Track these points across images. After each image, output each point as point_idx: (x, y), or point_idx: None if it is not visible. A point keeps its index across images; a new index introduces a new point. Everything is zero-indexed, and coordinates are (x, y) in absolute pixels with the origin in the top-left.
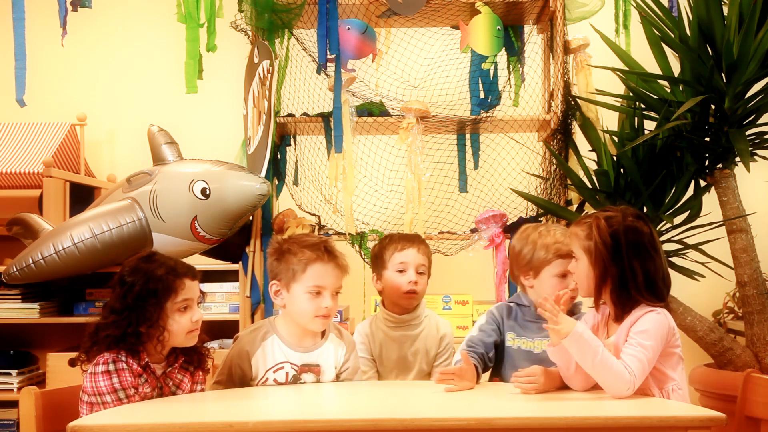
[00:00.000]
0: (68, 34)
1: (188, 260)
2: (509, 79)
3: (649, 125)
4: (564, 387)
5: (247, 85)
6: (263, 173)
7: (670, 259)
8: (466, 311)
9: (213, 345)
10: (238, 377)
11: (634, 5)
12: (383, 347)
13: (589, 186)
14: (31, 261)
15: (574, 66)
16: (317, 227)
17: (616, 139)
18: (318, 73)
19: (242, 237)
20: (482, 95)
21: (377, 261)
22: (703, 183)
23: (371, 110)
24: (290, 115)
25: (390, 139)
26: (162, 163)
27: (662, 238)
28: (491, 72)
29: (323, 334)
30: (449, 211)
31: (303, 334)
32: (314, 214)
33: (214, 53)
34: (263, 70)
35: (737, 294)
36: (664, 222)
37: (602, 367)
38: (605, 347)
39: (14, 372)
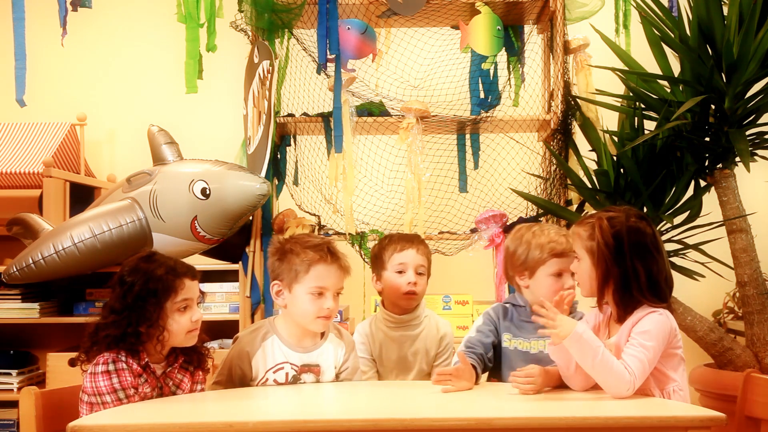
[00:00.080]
0: (68, 34)
1: (188, 260)
2: (509, 79)
3: (649, 125)
4: (562, 386)
5: (247, 85)
6: (263, 173)
7: (670, 259)
8: (466, 311)
9: (213, 345)
10: (238, 378)
11: (634, 5)
12: (383, 347)
13: (589, 186)
14: (31, 261)
15: (574, 66)
16: (317, 227)
17: (616, 139)
18: (318, 73)
19: (242, 237)
20: (482, 95)
21: (376, 262)
22: (703, 183)
23: (371, 110)
24: (290, 115)
25: (390, 139)
26: (162, 163)
27: (662, 238)
28: (491, 72)
29: (323, 334)
30: (449, 211)
31: (303, 335)
32: (314, 214)
33: (214, 53)
34: (263, 70)
35: (737, 294)
36: (664, 222)
37: (602, 368)
38: (606, 347)
39: (14, 372)
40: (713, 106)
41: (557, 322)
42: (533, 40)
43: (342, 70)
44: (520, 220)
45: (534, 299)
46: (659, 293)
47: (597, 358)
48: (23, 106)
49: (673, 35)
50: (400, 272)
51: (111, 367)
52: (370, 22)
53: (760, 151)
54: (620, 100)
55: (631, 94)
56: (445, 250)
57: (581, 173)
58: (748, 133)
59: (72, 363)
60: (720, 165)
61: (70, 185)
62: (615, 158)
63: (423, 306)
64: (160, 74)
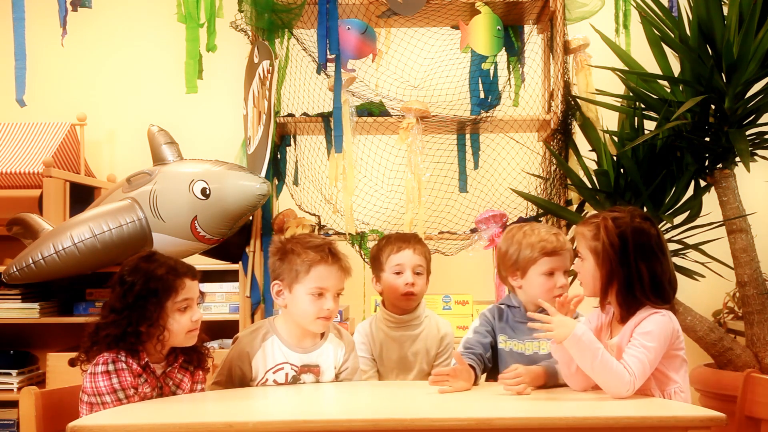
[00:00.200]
0: (68, 34)
1: (188, 260)
2: (509, 79)
3: (649, 125)
4: (554, 386)
5: (247, 85)
6: (263, 173)
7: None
8: (466, 311)
9: (213, 345)
10: (238, 378)
11: (634, 5)
12: (383, 347)
13: (589, 186)
14: (31, 261)
15: (574, 66)
16: (317, 227)
17: (616, 139)
18: (318, 73)
19: (242, 237)
20: (482, 95)
21: (375, 263)
22: (703, 183)
23: (371, 110)
24: (290, 115)
25: (390, 139)
26: (162, 163)
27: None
28: (491, 72)
29: (323, 334)
30: (449, 211)
31: (303, 335)
32: (314, 214)
33: (214, 53)
34: (263, 70)
35: (737, 294)
36: (664, 222)
37: (602, 369)
38: (608, 347)
39: (14, 372)
40: (713, 106)
41: (554, 325)
42: (533, 40)
43: (342, 70)
44: (520, 220)
45: (527, 299)
46: (662, 294)
47: (596, 360)
48: (23, 106)
49: (673, 35)
50: (397, 273)
51: (111, 367)
52: (370, 22)
53: (760, 151)
54: (620, 100)
55: (631, 94)
56: (445, 250)
57: (581, 173)
58: (748, 133)
59: (72, 363)
60: (720, 165)
61: (70, 185)
62: (615, 158)
63: (423, 306)
64: (160, 74)
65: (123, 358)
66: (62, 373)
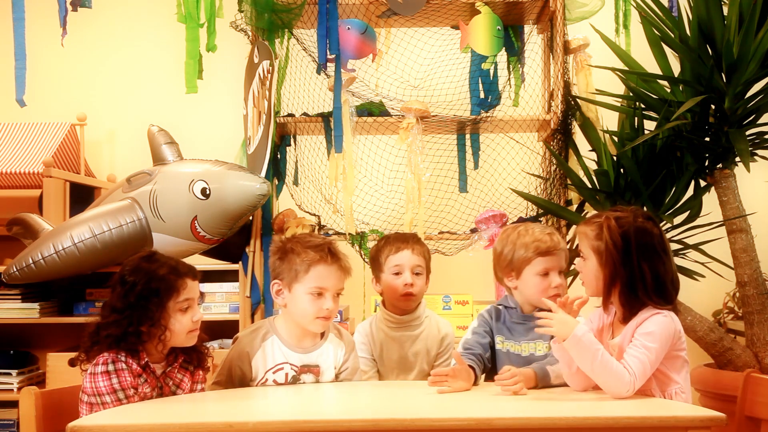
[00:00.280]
0: (68, 34)
1: (188, 260)
2: (509, 79)
3: (649, 125)
4: (540, 388)
5: (247, 85)
6: (263, 173)
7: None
8: (466, 311)
9: (213, 345)
10: (238, 378)
11: (634, 5)
12: (384, 347)
13: (589, 186)
14: (31, 261)
15: (574, 66)
16: (317, 227)
17: (616, 139)
18: (318, 73)
19: (242, 237)
20: (482, 95)
21: (374, 264)
22: (703, 183)
23: (371, 110)
24: (290, 115)
25: (390, 139)
26: (162, 163)
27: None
28: (491, 72)
29: (323, 334)
30: (449, 211)
31: (303, 335)
32: (314, 214)
33: (214, 53)
34: (263, 70)
35: (737, 294)
36: (664, 222)
37: (601, 370)
38: (610, 347)
39: (14, 372)
40: (713, 106)
41: (555, 322)
42: (533, 40)
43: (342, 70)
44: (521, 220)
45: (523, 300)
46: (665, 295)
47: (596, 361)
48: (23, 106)
49: (673, 35)
50: (396, 274)
51: (110, 367)
52: (370, 22)
53: (760, 151)
54: (620, 100)
55: (631, 94)
56: (445, 250)
57: (581, 173)
58: (748, 133)
59: (72, 363)
60: (720, 165)
61: (70, 185)
62: (615, 158)
63: (424, 306)
64: (160, 74)
65: (123, 358)
66: (62, 373)
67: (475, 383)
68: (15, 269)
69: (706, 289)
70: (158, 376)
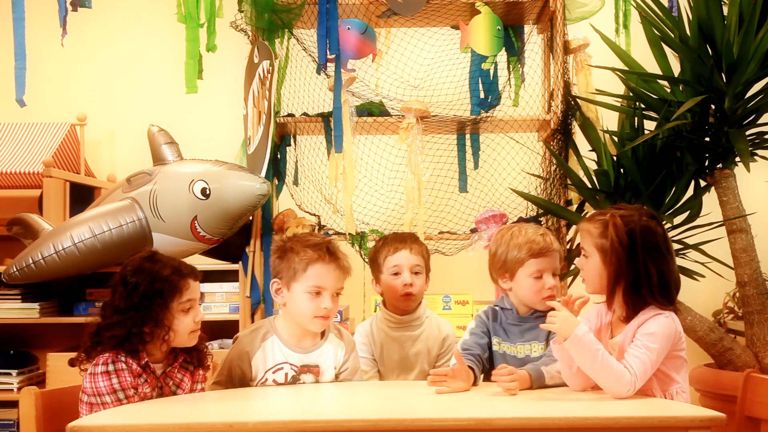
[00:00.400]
0: (68, 34)
1: (188, 260)
2: (509, 79)
3: (649, 125)
4: (534, 389)
5: (247, 85)
6: (263, 173)
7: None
8: (466, 311)
9: (213, 345)
10: (238, 378)
11: (634, 5)
12: (384, 347)
13: (589, 186)
14: (31, 261)
15: (574, 66)
16: (317, 227)
17: (616, 139)
18: (318, 73)
19: (242, 237)
20: (482, 95)
21: (373, 265)
22: (703, 183)
23: (371, 110)
24: (290, 115)
25: (390, 139)
26: (162, 163)
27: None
28: (491, 72)
29: (323, 334)
30: (449, 211)
31: (303, 335)
32: (314, 214)
33: (214, 53)
34: (263, 70)
35: (737, 294)
36: (665, 222)
37: (602, 370)
38: (611, 345)
39: (14, 372)
40: (713, 106)
41: (558, 319)
42: (533, 40)
43: (342, 70)
44: (521, 220)
45: (518, 302)
46: (668, 295)
47: (596, 361)
48: (23, 106)
49: (673, 35)
50: (395, 274)
51: (110, 367)
52: (370, 22)
53: (760, 151)
54: (620, 100)
55: (631, 94)
56: (445, 250)
57: (581, 173)
58: (748, 133)
59: (72, 363)
60: (720, 165)
61: (70, 185)
62: (615, 158)
63: (424, 306)
64: (160, 74)
65: (123, 359)
66: (62, 373)
67: (475, 384)
68: (15, 269)
69: (706, 289)
70: (158, 376)
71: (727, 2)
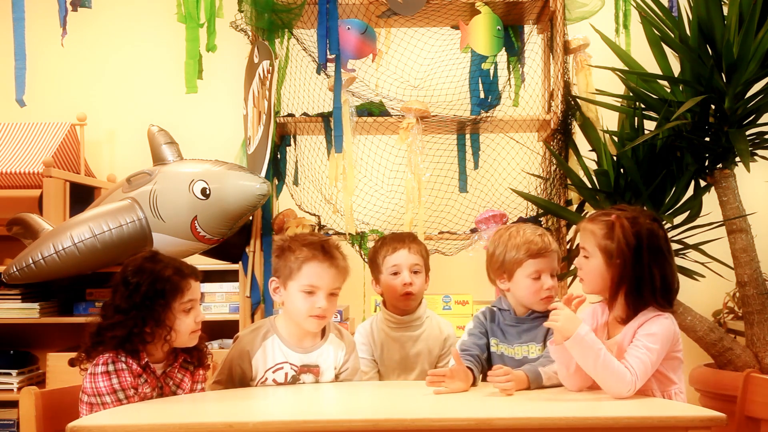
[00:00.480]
0: (68, 34)
1: (188, 260)
2: (509, 79)
3: (649, 125)
4: (532, 390)
5: (247, 85)
6: (263, 173)
7: None
8: (466, 311)
9: (213, 345)
10: (238, 377)
11: (634, 5)
12: (384, 347)
13: (589, 186)
14: (31, 261)
15: (574, 66)
16: (317, 227)
17: (616, 139)
18: (318, 73)
19: (242, 237)
20: (482, 95)
21: (373, 265)
22: (703, 183)
23: (371, 110)
24: (290, 115)
25: (390, 139)
26: (162, 163)
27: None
28: (491, 72)
29: (323, 334)
30: (449, 211)
31: (303, 335)
32: (314, 214)
33: (214, 53)
34: (263, 70)
35: (737, 294)
36: (664, 222)
37: (604, 370)
38: (609, 346)
39: (14, 372)
40: (713, 106)
41: (561, 317)
42: (533, 40)
43: (342, 70)
44: (521, 220)
45: (516, 302)
46: (669, 297)
47: (598, 360)
48: (23, 106)
49: (673, 35)
50: (395, 274)
51: (111, 367)
52: (370, 22)
53: (760, 151)
54: (620, 100)
55: (631, 94)
56: (445, 250)
57: (581, 173)
58: (748, 133)
59: (72, 363)
60: (720, 165)
61: (70, 185)
62: (615, 158)
63: (425, 306)
64: (160, 74)
65: (123, 359)
66: (62, 373)
67: (474, 384)
68: (15, 269)
69: (706, 289)
70: (158, 376)
71: (727, 2)
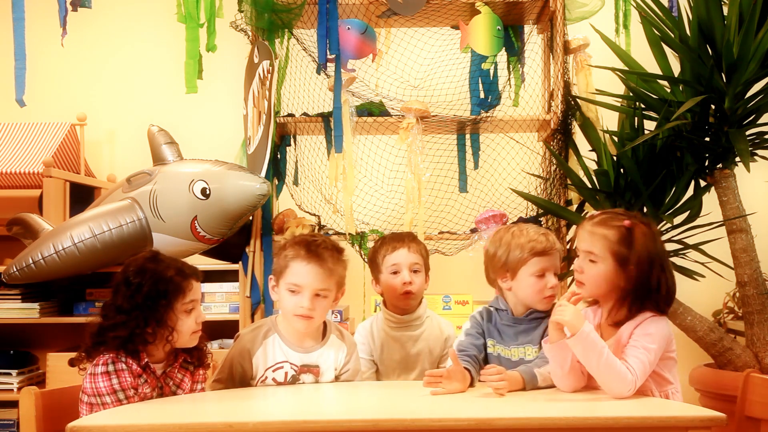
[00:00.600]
0: (68, 34)
1: (188, 260)
2: (509, 79)
3: (649, 125)
4: (527, 390)
5: (247, 85)
6: (263, 173)
7: (671, 259)
8: (466, 311)
9: (213, 345)
10: (239, 375)
11: (634, 5)
12: (384, 347)
13: (589, 186)
14: (31, 261)
15: (574, 66)
16: (317, 227)
17: (616, 139)
18: (318, 73)
19: (242, 237)
20: (482, 95)
21: (372, 265)
22: (703, 183)
23: (371, 110)
24: (290, 115)
25: (390, 139)
26: (162, 163)
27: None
28: (491, 72)
29: (324, 335)
30: (449, 211)
31: (303, 335)
32: (314, 214)
33: (214, 53)
34: (263, 70)
35: (737, 294)
36: (664, 222)
37: (606, 368)
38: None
39: (14, 372)
40: (713, 106)
41: (567, 310)
42: (533, 40)
43: (342, 70)
44: (521, 220)
45: (517, 301)
46: (670, 302)
47: (602, 358)
48: (23, 106)
49: (673, 35)
50: (394, 273)
51: (111, 368)
52: (370, 22)
53: (760, 151)
54: (620, 100)
55: (631, 94)
56: (445, 250)
57: (581, 173)
58: (748, 133)
59: (72, 363)
60: (720, 165)
61: (70, 185)
62: (615, 158)
63: (425, 306)
64: (160, 74)
65: (123, 359)
66: (62, 373)
67: (471, 385)
68: (15, 269)
69: (706, 289)
70: (158, 376)
71: (727, 2)
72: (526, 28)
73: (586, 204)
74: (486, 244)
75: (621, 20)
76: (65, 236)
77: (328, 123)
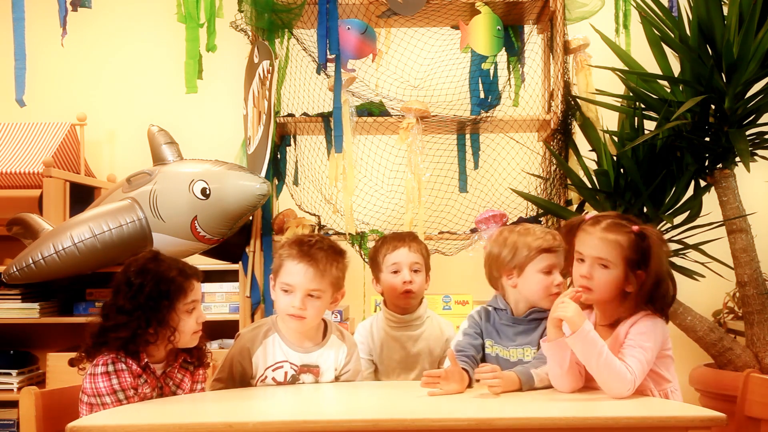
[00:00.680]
0: (68, 34)
1: (188, 260)
2: (509, 79)
3: (649, 125)
4: (524, 391)
5: (247, 85)
6: (263, 173)
7: (670, 259)
8: (466, 311)
9: (213, 345)
10: (239, 374)
11: (634, 5)
12: (384, 347)
13: (589, 186)
14: (31, 261)
15: (574, 66)
16: (317, 227)
17: (616, 139)
18: (318, 73)
19: (242, 237)
20: (482, 95)
21: (373, 264)
22: (703, 183)
23: (371, 110)
24: (290, 115)
25: (390, 139)
26: (162, 163)
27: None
28: (491, 72)
29: (324, 335)
30: (449, 211)
31: (303, 335)
32: (314, 214)
33: (214, 53)
34: (263, 70)
35: (737, 294)
36: (664, 222)
37: (606, 367)
38: None
39: (14, 372)
40: (713, 106)
41: (569, 305)
42: (533, 40)
43: (342, 70)
44: (521, 220)
45: (518, 300)
46: (670, 306)
47: (601, 357)
48: (23, 106)
49: (673, 35)
50: (395, 272)
51: (110, 368)
52: (370, 22)
53: (760, 151)
54: (620, 100)
55: (631, 94)
56: (445, 250)
57: (581, 173)
58: (748, 133)
59: (72, 363)
60: (720, 165)
61: (70, 185)
62: (615, 158)
63: (425, 306)
64: (160, 74)
65: (123, 359)
66: (62, 373)
67: (470, 385)
68: (15, 269)
69: (706, 289)
70: (158, 377)
71: (727, 2)
72: (526, 28)
73: (586, 204)
74: (488, 244)
75: (621, 20)
76: (65, 236)
77: (328, 123)
